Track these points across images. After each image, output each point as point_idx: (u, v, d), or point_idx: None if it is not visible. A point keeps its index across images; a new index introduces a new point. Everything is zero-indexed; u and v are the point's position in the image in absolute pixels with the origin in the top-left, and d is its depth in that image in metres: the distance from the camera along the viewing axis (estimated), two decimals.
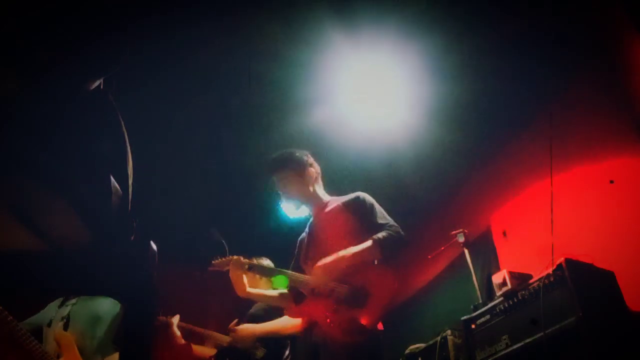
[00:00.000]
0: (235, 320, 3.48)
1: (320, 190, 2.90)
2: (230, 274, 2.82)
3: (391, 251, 2.59)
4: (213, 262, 2.91)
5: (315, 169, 2.89)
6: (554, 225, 3.81)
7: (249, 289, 2.86)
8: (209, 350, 3.55)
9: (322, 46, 3.58)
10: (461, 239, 3.65)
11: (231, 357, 3.32)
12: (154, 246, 1.14)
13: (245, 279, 2.85)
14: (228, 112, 4.13)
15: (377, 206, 2.72)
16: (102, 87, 1.01)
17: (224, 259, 2.93)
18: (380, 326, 2.53)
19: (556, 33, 3.56)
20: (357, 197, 2.75)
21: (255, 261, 3.48)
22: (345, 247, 2.56)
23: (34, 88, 0.88)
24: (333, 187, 3.03)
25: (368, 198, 2.76)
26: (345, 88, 3.98)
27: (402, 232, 2.64)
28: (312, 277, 2.60)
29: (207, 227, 4.80)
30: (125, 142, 1.07)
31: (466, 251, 3.66)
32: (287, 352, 3.23)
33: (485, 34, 3.56)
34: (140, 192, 1.12)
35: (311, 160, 2.89)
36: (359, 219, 2.67)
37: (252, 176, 4.24)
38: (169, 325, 3.55)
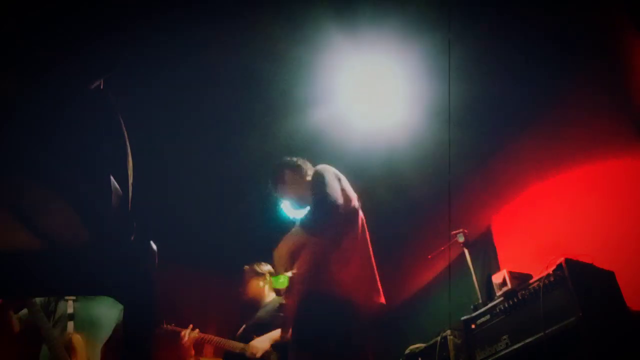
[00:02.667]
0: (243, 327, 3.48)
1: None
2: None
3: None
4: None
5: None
6: (553, 225, 3.82)
7: None
8: None
9: (322, 46, 3.58)
10: (461, 239, 3.65)
11: None
12: (154, 246, 1.14)
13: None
14: (228, 112, 4.13)
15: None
16: (102, 87, 1.01)
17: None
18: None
19: (556, 33, 3.55)
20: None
21: (256, 267, 3.53)
22: None
23: (34, 88, 0.88)
24: None
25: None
26: (345, 88, 3.98)
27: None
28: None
29: (207, 227, 4.80)
30: (125, 142, 1.07)
31: (466, 251, 3.66)
32: None
33: (485, 34, 3.56)
34: (140, 192, 1.12)
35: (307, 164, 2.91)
36: None
37: (252, 176, 4.24)
38: (178, 336, 3.52)
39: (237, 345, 3.40)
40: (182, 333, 3.49)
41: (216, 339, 3.52)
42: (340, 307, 2.34)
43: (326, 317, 2.31)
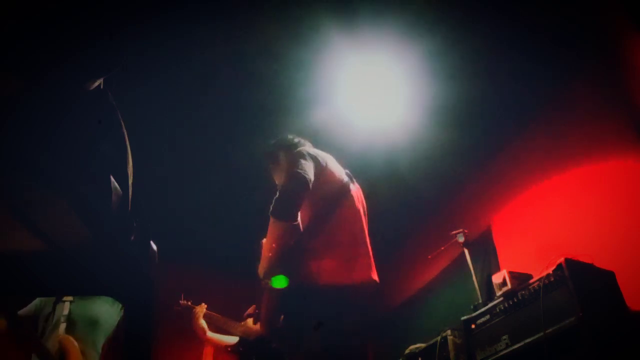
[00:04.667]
0: (253, 306, 3.48)
1: None
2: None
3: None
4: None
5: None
6: (553, 225, 3.82)
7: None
8: (227, 339, 3.58)
9: (322, 46, 3.58)
10: (461, 239, 3.66)
11: (247, 346, 3.33)
12: (154, 246, 1.14)
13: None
14: (228, 113, 4.13)
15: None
16: (102, 87, 1.01)
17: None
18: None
19: (556, 33, 3.55)
20: None
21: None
22: None
23: (34, 88, 0.88)
24: None
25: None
26: (345, 88, 3.98)
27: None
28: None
29: (208, 227, 4.79)
30: (125, 142, 1.07)
31: (466, 251, 3.67)
32: None
33: (484, 34, 3.56)
34: (140, 192, 1.12)
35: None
36: None
37: (252, 176, 4.24)
38: (192, 313, 3.66)
39: (239, 328, 3.44)
40: (195, 311, 3.70)
41: (222, 318, 3.65)
42: (329, 293, 2.20)
43: (314, 307, 2.19)
